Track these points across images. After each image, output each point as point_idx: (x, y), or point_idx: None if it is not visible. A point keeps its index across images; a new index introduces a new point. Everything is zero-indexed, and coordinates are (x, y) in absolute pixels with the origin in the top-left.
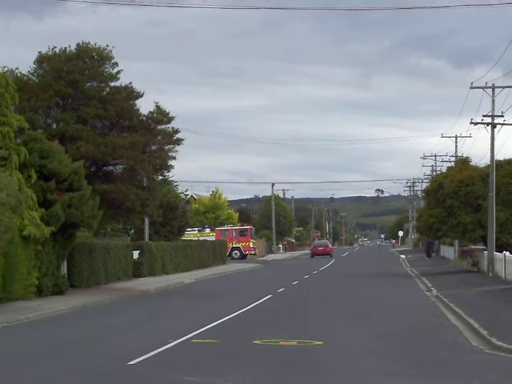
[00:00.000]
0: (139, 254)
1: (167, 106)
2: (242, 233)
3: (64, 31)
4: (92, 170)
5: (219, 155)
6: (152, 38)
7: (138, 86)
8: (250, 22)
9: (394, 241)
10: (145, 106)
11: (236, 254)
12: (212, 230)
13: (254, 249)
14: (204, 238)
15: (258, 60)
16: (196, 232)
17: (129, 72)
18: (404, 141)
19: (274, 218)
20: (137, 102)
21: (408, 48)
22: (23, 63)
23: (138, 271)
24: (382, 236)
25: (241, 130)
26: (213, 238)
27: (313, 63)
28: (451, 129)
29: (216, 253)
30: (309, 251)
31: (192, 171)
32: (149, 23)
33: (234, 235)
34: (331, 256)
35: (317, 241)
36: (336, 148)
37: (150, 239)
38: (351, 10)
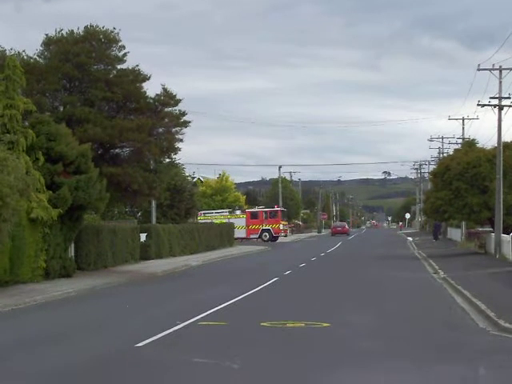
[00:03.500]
0: (146, 236)
1: (176, 89)
2: (272, 215)
3: (74, 13)
4: (99, 152)
5: (227, 138)
6: (161, 21)
7: (146, 69)
8: (261, 4)
9: (400, 223)
10: (153, 89)
11: (266, 236)
12: (243, 212)
13: (285, 231)
14: (235, 219)
15: (268, 42)
16: (226, 213)
17: (137, 54)
18: (411, 123)
19: (281, 201)
20: (144, 84)
21: (419, 29)
22: (33, 45)
23: (145, 254)
24: (389, 218)
25: (249, 113)
26: (243, 220)
27: (323, 45)
28: (459, 111)
29: (223, 235)
30: (316, 233)
31: (199, 153)
32: (158, 6)
33: (264, 217)
34: (348, 235)
35: (336, 222)
36: (343, 130)
37: (157, 222)
38: None
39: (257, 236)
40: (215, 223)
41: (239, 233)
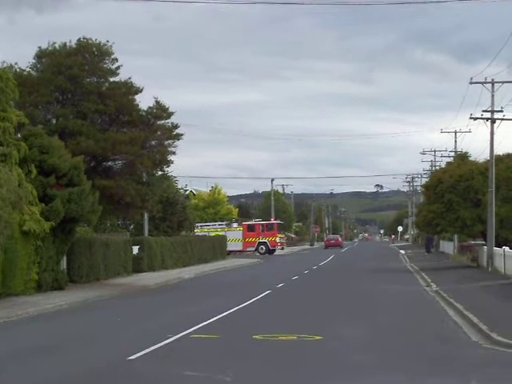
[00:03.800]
0: (139, 249)
1: (169, 101)
2: (269, 227)
3: (67, 26)
4: (92, 165)
5: (219, 150)
6: (155, 33)
7: (139, 81)
8: (254, 16)
9: (393, 236)
10: (146, 101)
11: (262, 248)
12: (239, 225)
13: (281, 244)
14: (231, 232)
15: (261, 55)
16: (223, 226)
17: (130, 67)
18: (404, 136)
19: (274, 214)
20: (137, 97)
21: (412, 43)
22: (26, 58)
23: (137, 266)
24: (382, 231)
25: (242, 126)
26: (240, 233)
27: (316, 58)
28: (451, 124)
29: (216, 248)
30: (309, 246)
31: (192, 166)
32: (152, 18)
33: (261, 230)
34: (341, 247)
35: (329, 235)
36: (336, 143)
37: (149, 234)
38: (356, 5)
39: (253, 249)
40: (207, 236)
41: (236, 246)
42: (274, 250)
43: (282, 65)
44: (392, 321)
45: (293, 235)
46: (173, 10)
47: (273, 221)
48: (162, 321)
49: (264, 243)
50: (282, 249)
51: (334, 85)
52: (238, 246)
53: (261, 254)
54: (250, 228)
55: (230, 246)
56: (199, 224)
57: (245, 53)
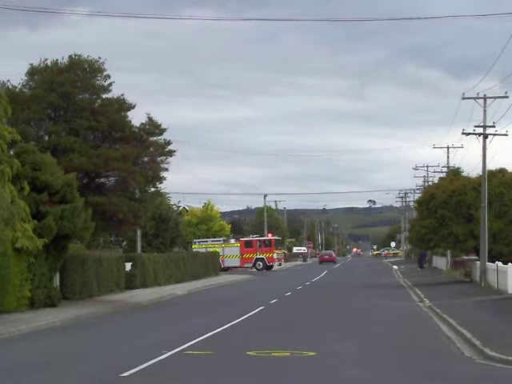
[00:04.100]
0: (132, 265)
1: (161, 118)
2: (266, 243)
3: (60, 43)
4: (84, 181)
5: (212, 167)
6: (148, 50)
7: (132, 98)
8: (246, 33)
9: (386, 251)
10: (138, 118)
11: (259, 265)
12: (237, 241)
13: (279, 259)
14: (229, 248)
15: (253, 71)
16: (221, 242)
17: (123, 83)
18: (396, 151)
19: (267, 230)
20: (129, 113)
21: (405, 58)
22: (18, 75)
23: (130, 283)
24: (375, 247)
25: (234, 142)
26: (237, 249)
27: (308, 74)
28: (444, 139)
29: (208, 264)
30: (302, 262)
31: (185, 183)
32: (144, 35)
33: (258, 246)
34: (335, 263)
35: (323, 251)
36: (329, 159)
37: (142, 251)
38: (348, 21)
39: (251, 265)
40: (200, 252)
41: (233, 262)
42: (272, 266)
43: (274, 81)
44: (385, 336)
45: (286, 251)
46: (165, 27)
47: (270, 237)
48: (156, 337)
49: (261, 259)
50: (280, 265)
51: (326, 101)
52: (236, 262)
53: (258, 270)
54: (248, 244)
55: (228, 262)
56: (197, 240)
57: (236, 69)
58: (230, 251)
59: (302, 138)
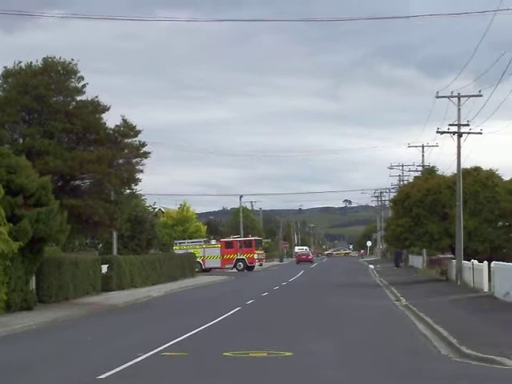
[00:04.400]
0: (108, 268)
1: (136, 119)
2: (247, 244)
3: (36, 45)
4: (59, 184)
5: (188, 168)
6: (123, 52)
7: (106, 100)
8: (221, 34)
9: (362, 250)
10: (113, 120)
11: (240, 265)
12: (217, 242)
13: (260, 260)
14: (209, 249)
15: (229, 72)
16: (202, 243)
17: (98, 85)
18: (372, 151)
19: (243, 230)
20: (104, 115)
21: (380, 58)
22: None
23: (106, 285)
24: (351, 246)
25: (209, 143)
26: (218, 250)
27: (284, 74)
28: (418, 138)
29: (185, 265)
30: (278, 262)
31: (160, 184)
32: (119, 37)
33: (239, 246)
34: (312, 262)
35: (300, 251)
36: (305, 159)
37: (118, 253)
38: (323, 21)
39: (232, 266)
40: (176, 254)
41: (214, 263)
42: (253, 267)
43: (249, 81)
44: (362, 335)
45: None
46: (140, 29)
47: (251, 237)
48: (132, 339)
49: (242, 260)
50: (261, 265)
51: (302, 101)
52: (217, 263)
53: (239, 270)
54: (228, 245)
55: (209, 263)
56: (178, 241)
57: (212, 70)
58: (211, 252)
59: (278, 138)
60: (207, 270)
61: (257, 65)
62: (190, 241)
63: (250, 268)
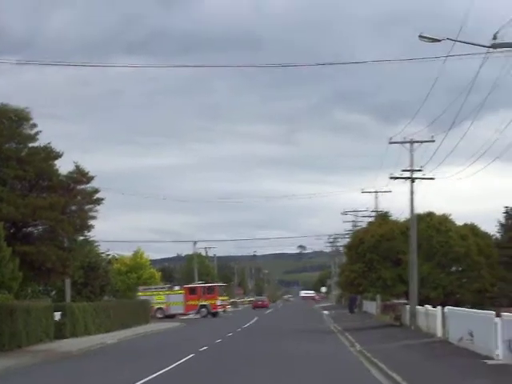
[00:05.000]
0: (61, 315)
1: (91, 166)
2: (210, 290)
3: None
4: (11, 231)
5: (142, 214)
6: (78, 97)
7: (61, 145)
8: (177, 79)
9: (316, 296)
10: (66, 166)
11: (203, 311)
12: (181, 288)
13: (223, 306)
14: (173, 295)
15: (184, 118)
16: (165, 289)
17: (53, 131)
18: (326, 197)
19: (197, 277)
20: (57, 161)
21: (333, 103)
22: None
23: (60, 333)
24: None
25: (164, 189)
26: (181, 296)
27: (239, 121)
28: (372, 183)
29: (139, 312)
30: (233, 308)
31: (114, 230)
32: (75, 82)
33: (202, 292)
34: (268, 308)
35: (257, 297)
36: (259, 205)
37: (71, 300)
38: (274, 66)
39: (195, 312)
40: (129, 300)
41: (178, 309)
42: (217, 313)
43: (204, 127)
44: (315, 382)
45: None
46: (96, 74)
47: (214, 284)
48: None
49: (205, 306)
50: (224, 311)
51: (257, 147)
52: (180, 309)
53: (203, 316)
54: (192, 291)
55: (172, 310)
56: (142, 288)
57: (168, 116)
58: (175, 298)
59: (234, 184)
60: (171, 317)
61: (212, 110)
62: (153, 287)
63: (213, 314)
